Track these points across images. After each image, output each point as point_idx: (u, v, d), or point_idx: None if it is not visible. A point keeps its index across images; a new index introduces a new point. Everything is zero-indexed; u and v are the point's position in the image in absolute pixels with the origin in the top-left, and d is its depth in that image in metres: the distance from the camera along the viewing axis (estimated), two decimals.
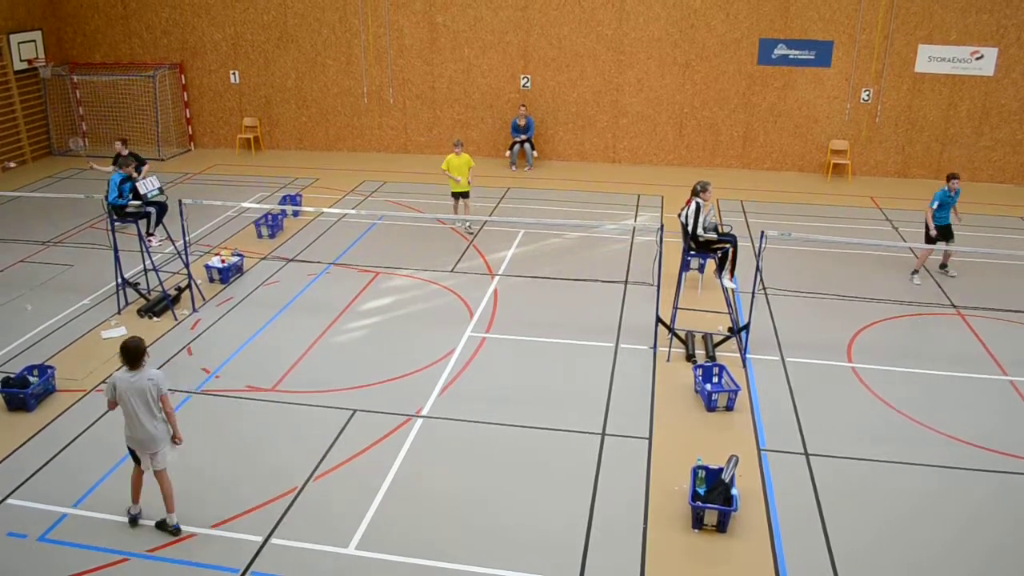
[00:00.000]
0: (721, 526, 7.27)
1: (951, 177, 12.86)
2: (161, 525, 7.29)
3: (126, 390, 6.86)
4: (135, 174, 12.31)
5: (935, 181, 18.89)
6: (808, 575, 6.85)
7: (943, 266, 13.49)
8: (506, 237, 14.85)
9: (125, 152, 14.90)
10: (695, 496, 7.42)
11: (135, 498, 7.34)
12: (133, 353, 6.83)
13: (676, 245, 12.38)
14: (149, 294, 12.00)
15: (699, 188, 10.57)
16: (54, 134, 21.09)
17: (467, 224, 15.24)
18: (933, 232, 12.74)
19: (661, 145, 20.03)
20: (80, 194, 13.02)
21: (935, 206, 12.79)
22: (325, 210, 14.52)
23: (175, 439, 7.17)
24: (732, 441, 8.63)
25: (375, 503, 7.64)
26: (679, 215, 10.93)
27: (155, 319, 11.48)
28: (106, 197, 11.75)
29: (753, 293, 10.37)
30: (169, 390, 7.07)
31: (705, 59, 19.08)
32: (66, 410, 9.20)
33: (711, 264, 12.27)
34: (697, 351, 10.50)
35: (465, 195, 15.06)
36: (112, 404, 7.03)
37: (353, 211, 15.79)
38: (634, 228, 15.26)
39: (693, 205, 10.55)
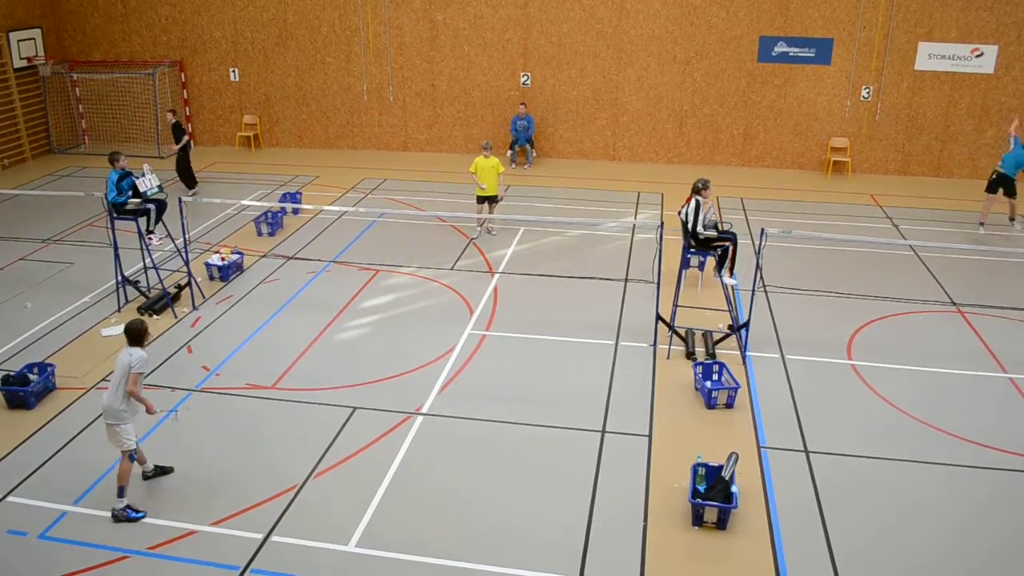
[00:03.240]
0: (721, 523, 7.28)
1: None
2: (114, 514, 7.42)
3: (117, 359, 7.44)
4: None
5: (935, 179, 18.97)
6: (808, 572, 6.86)
7: (1012, 219, 14.48)
8: (506, 235, 14.84)
9: (173, 121, 17.01)
10: (695, 493, 7.42)
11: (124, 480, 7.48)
12: (131, 333, 7.40)
13: (676, 243, 12.37)
14: (149, 292, 12.00)
15: (699, 186, 10.57)
16: (54, 132, 21.08)
17: (488, 225, 14.78)
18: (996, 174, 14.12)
19: (661, 143, 20.03)
20: (80, 192, 13.02)
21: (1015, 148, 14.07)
22: (325, 208, 14.52)
23: (148, 411, 7.46)
24: (732, 438, 8.63)
25: (375, 501, 7.64)
26: (679, 213, 10.93)
27: (155, 317, 11.48)
28: (106, 196, 11.73)
29: (753, 291, 10.37)
30: (142, 373, 7.33)
31: (705, 57, 19.07)
32: (66, 408, 9.20)
33: (711, 262, 12.27)
34: (697, 348, 10.50)
35: (493, 200, 14.58)
36: None
37: (353, 209, 15.78)
38: (634, 226, 15.25)
39: (693, 203, 10.54)
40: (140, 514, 7.39)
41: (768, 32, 18.64)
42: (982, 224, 14.78)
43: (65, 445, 8.51)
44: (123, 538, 7.15)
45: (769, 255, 11.86)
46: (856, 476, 8.11)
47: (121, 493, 7.35)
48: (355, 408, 9.18)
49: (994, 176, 14.37)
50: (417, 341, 10.78)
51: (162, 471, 7.97)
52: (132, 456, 7.38)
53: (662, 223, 10.80)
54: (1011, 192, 14.47)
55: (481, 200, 14.55)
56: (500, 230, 15.01)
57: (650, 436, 8.72)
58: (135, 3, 20.74)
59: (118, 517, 7.34)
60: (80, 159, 20.40)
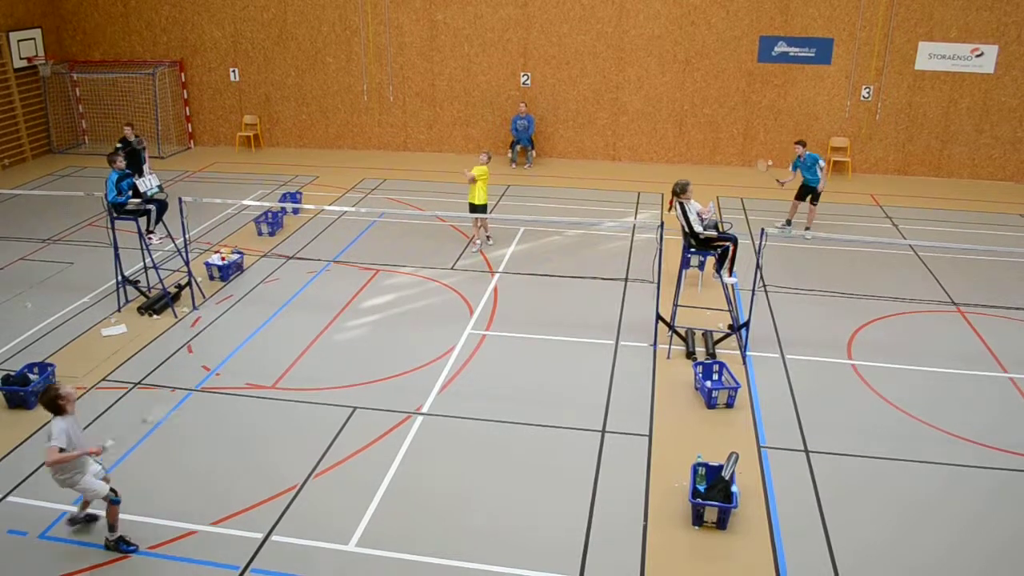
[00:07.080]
0: (721, 523, 7.27)
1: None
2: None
3: None
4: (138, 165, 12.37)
5: (935, 179, 18.97)
6: (808, 572, 6.85)
7: (807, 228, 14.73)
8: (506, 235, 14.84)
9: (133, 137, 15.41)
10: (695, 493, 7.42)
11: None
12: (44, 404, 6.75)
13: (676, 243, 12.37)
14: (149, 292, 12.00)
15: (677, 189, 10.49)
16: (54, 132, 21.08)
17: (487, 237, 14.42)
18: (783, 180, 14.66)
19: (661, 143, 20.02)
20: (80, 192, 13.01)
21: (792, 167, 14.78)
22: (325, 208, 14.52)
23: (92, 453, 6.87)
24: (732, 438, 8.63)
25: (375, 500, 7.64)
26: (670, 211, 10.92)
27: (155, 317, 11.48)
28: (105, 196, 11.73)
29: (753, 290, 10.37)
30: (59, 448, 6.58)
31: (705, 56, 19.07)
32: None
33: (711, 261, 12.27)
34: (697, 348, 10.50)
35: (483, 209, 13.86)
36: None
37: (353, 209, 15.78)
38: (634, 225, 15.25)
39: (677, 207, 10.53)
40: (132, 547, 6.99)
41: (768, 32, 18.64)
42: (789, 223, 14.90)
43: None
44: None
45: (769, 255, 11.85)
46: (856, 476, 8.11)
47: (112, 529, 7.00)
48: (355, 408, 9.18)
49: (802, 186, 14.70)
50: (417, 341, 10.78)
51: (90, 518, 7.36)
52: (114, 500, 6.93)
53: (662, 223, 10.79)
54: (816, 200, 14.67)
55: (474, 209, 13.85)
56: (500, 231, 15.00)
57: (650, 436, 8.72)
58: (135, 3, 20.74)
59: (109, 547, 6.98)
60: (80, 159, 20.40)
